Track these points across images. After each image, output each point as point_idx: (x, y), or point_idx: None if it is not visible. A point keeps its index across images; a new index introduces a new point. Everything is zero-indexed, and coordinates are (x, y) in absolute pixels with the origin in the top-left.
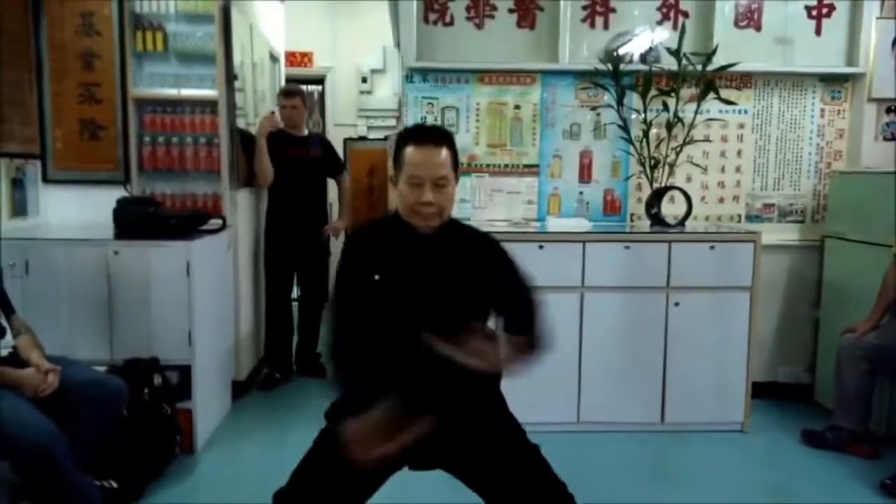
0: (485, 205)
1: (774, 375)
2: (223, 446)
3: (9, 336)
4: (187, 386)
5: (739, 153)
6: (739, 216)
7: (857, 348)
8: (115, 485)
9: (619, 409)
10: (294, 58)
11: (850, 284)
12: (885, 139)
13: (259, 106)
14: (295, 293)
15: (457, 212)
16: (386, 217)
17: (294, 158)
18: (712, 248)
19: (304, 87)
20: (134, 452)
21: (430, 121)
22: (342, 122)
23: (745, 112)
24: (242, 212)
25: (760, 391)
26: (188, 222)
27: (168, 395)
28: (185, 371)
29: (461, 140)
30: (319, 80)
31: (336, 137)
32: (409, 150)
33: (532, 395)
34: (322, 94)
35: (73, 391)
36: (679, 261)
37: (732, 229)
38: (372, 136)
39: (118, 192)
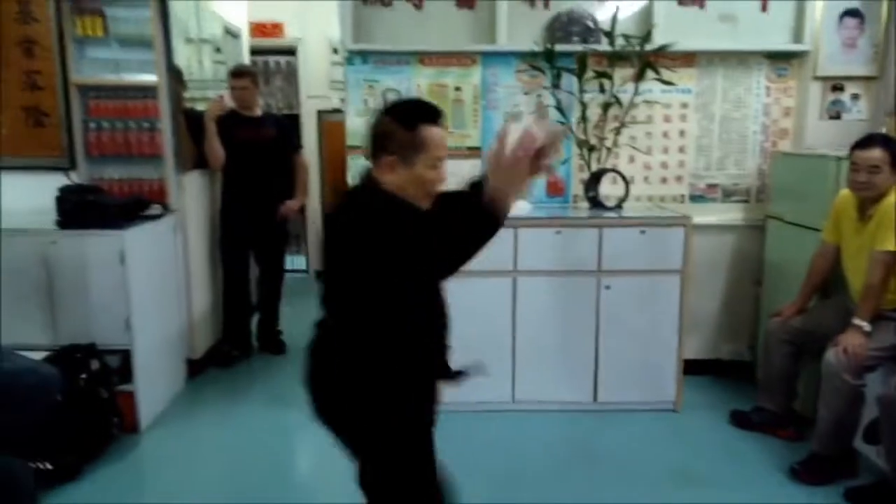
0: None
1: (717, 353)
2: (171, 425)
3: None
4: (128, 369)
5: (683, 133)
6: (683, 196)
7: (782, 331)
8: (49, 466)
9: (552, 389)
10: (264, 29)
11: (789, 265)
12: (831, 117)
13: (219, 85)
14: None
15: None
16: (394, 198)
17: (246, 139)
18: (643, 232)
19: (274, 60)
20: (69, 435)
21: (370, 104)
22: (315, 93)
23: (689, 91)
24: (192, 194)
25: (703, 368)
26: (128, 209)
27: (106, 379)
28: (127, 355)
29: None
30: (291, 51)
31: (309, 110)
32: (434, 132)
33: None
34: (293, 66)
35: (5, 379)
36: (610, 245)
37: (667, 212)
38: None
39: (65, 179)
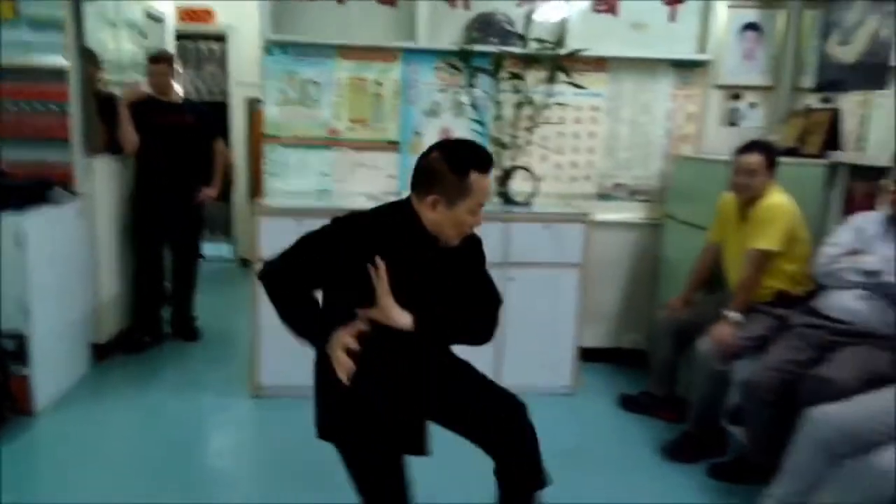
0: (346, 178)
1: (619, 342)
2: (70, 409)
3: None
4: (24, 353)
5: (593, 135)
6: (591, 195)
7: (668, 323)
8: None
9: None
10: (194, 14)
11: (681, 262)
12: (730, 124)
13: (136, 69)
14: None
15: (316, 184)
16: (402, 215)
17: (162, 125)
18: (546, 227)
19: (207, 46)
20: None
21: (291, 95)
22: (246, 80)
23: (600, 95)
24: (102, 179)
25: (605, 356)
26: (31, 192)
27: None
28: (22, 339)
29: (322, 114)
30: (221, 38)
31: (238, 96)
32: (482, 181)
33: None
34: (224, 53)
35: None
36: (515, 239)
37: (571, 209)
38: None
39: None
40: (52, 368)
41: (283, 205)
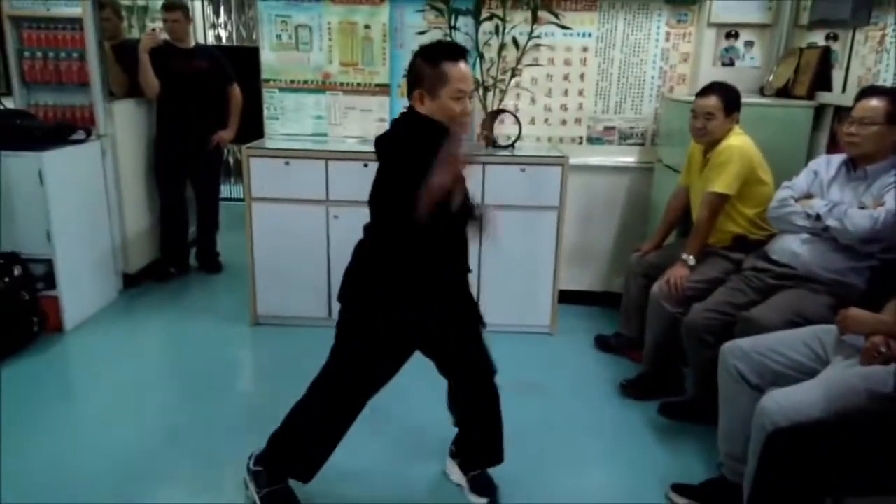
0: (339, 121)
1: (609, 286)
2: (97, 328)
3: None
4: (52, 276)
5: (582, 76)
6: (581, 138)
7: (639, 265)
8: None
9: None
10: None
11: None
12: (724, 64)
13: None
14: None
15: (312, 128)
16: (425, 118)
17: (179, 71)
18: (523, 170)
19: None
20: None
21: (285, 39)
22: None
23: (589, 35)
24: (124, 121)
25: (594, 300)
26: (53, 133)
27: (28, 284)
28: (50, 264)
29: (314, 58)
30: None
31: None
32: (454, 67)
33: None
34: None
35: None
36: (494, 181)
37: (553, 152)
38: None
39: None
40: (81, 292)
41: (269, 147)
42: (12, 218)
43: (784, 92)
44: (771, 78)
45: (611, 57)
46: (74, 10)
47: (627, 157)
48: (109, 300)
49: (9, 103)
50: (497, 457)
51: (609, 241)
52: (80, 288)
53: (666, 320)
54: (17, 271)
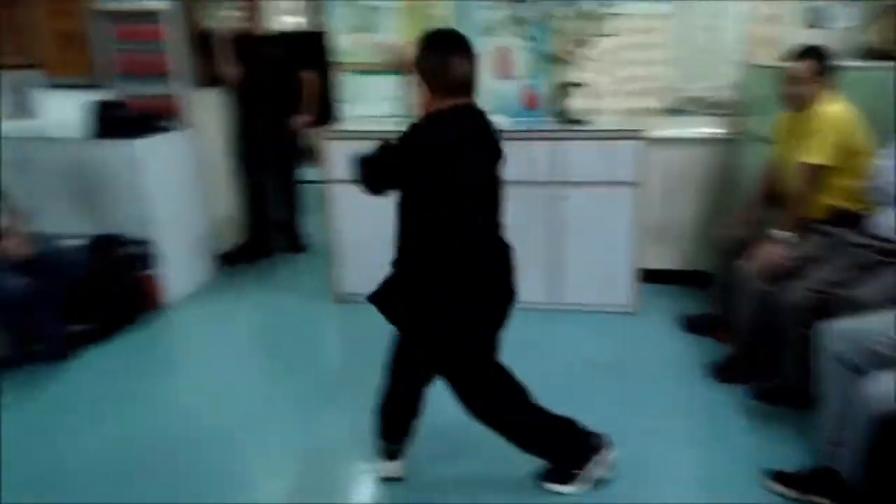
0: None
1: (693, 264)
2: (193, 305)
3: None
4: (153, 257)
5: (660, 46)
6: (659, 110)
7: (729, 242)
8: (84, 328)
9: None
10: None
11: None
12: (812, 26)
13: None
14: None
15: (388, 109)
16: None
17: (256, 58)
18: (596, 145)
19: None
20: (98, 306)
21: (355, 21)
22: None
23: (668, 1)
24: (207, 110)
25: (678, 278)
26: (144, 122)
27: (131, 263)
28: (150, 245)
29: (386, 37)
30: None
31: None
32: (459, 61)
33: None
34: None
35: (41, 258)
36: (568, 158)
37: (626, 125)
38: None
39: (100, 95)
40: (179, 272)
41: (345, 130)
42: (114, 202)
43: (881, 53)
44: (866, 38)
45: (690, 23)
46: (161, 4)
47: (711, 128)
48: (204, 280)
49: (106, 95)
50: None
51: (694, 217)
52: (178, 268)
53: (758, 299)
54: (121, 252)
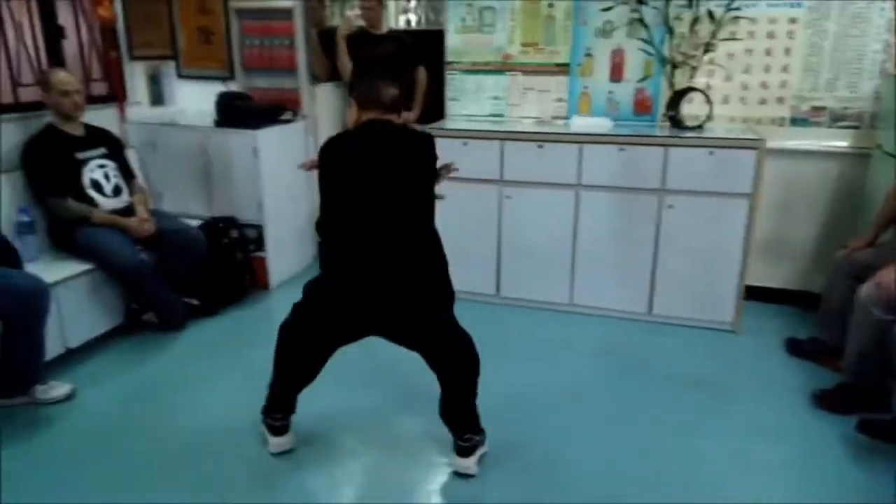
0: (517, 102)
1: (810, 285)
2: (295, 288)
3: (126, 194)
4: (262, 240)
5: (788, 51)
6: (783, 119)
7: (847, 264)
8: (197, 303)
9: (608, 296)
10: None
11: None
12: None
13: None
14: None
15: (490, 109)
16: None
17: (370, 55)
18: (711, 153)
19: None
20: (212, 283)
21: (470, 22)
22: None
23: (800, 5)
24: (324, 103)
25: (791, 299)
26: (266, 113)
27: (243, 245)
28: (261, 229)
29: (497, 40)
30: None
31: None
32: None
33: (531, 277)
34: None
35: (166, 236)
36: (676, 165)
37: (747, 134)
38: None
39: (229, 87)
40: (284, 255)
41: (449, 128)
42: (232, 187)
43: None
44: None
45: (824, 28)
46: (287, 3)
47: (838, 141)
48: (305, 264)
49: (232, 87)
50: (471, 424)
51: (810, 235)
52: (283, 252)
53: (874, 327)
54: (234, 234)
